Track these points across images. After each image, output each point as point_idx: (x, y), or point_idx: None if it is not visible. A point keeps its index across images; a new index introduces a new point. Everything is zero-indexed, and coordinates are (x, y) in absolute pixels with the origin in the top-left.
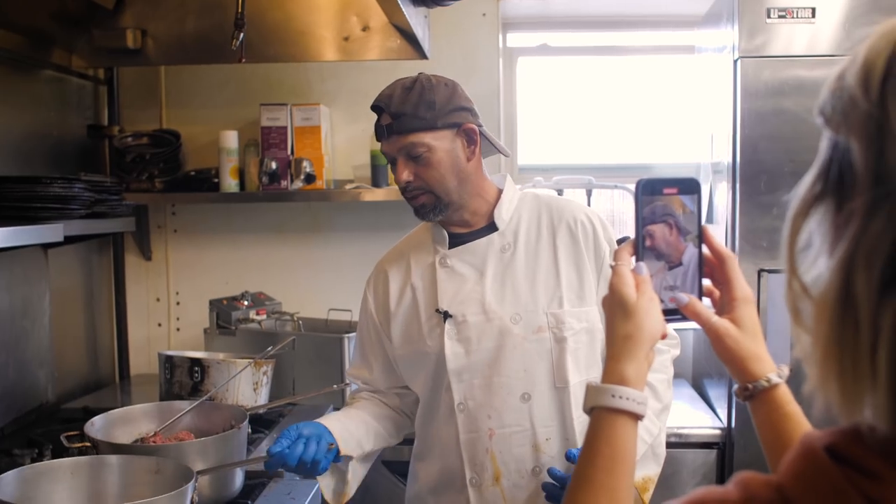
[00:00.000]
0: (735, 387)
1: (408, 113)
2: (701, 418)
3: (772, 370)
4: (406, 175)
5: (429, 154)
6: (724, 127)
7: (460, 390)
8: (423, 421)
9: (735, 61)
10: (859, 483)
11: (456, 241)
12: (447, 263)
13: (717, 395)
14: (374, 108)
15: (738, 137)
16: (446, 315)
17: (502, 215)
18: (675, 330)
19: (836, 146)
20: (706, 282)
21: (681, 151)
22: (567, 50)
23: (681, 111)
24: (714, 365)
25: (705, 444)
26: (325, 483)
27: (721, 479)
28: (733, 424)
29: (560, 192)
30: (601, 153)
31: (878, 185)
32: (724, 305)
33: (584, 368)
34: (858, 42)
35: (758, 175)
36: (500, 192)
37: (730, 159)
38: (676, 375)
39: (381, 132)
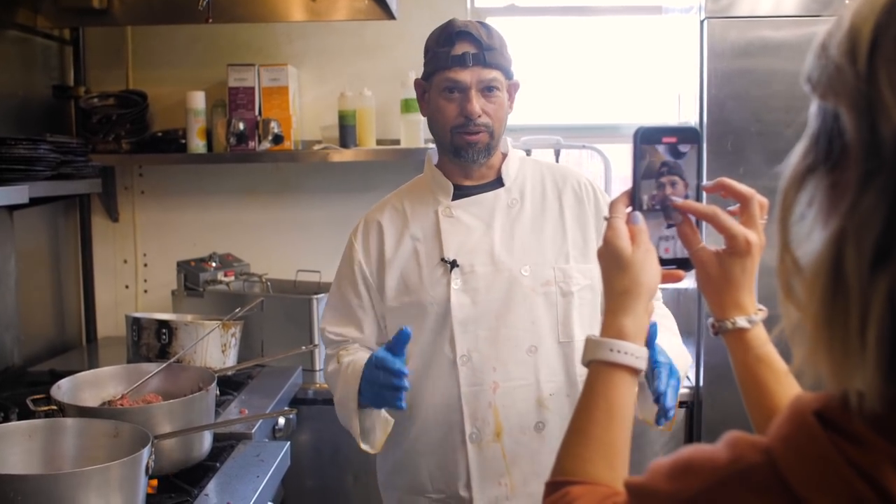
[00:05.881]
0: (709, 318)
1: (496, 48)
2: None
3: (744, 314)
4: (479, 107)
5: (500, 93)
6: (692, 87)
7: (465, 342)
8: (415, 377)
9: (702, 22)
10: (846, 449)
11: (460, 193)
12: (451, 214)
13: None
14: (458, 33)
15: (705, 98)
16: (453, 264)
17: (510, 172)
18: None
19: (825, 115)
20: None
21: (649, 111)
22: (535, 10)
23: (648, 71)
24: (683, 324)
25: None
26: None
27: (690, 438)
28: (702, 384)
29: (528, 152)
30: (569, 113)
31: (870, 157)
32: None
33: (587, 326)
34: (826, 4)
35: (724, 135)
36: (503, 153)
37: (697, 119)
38: None
39: (462, 59)
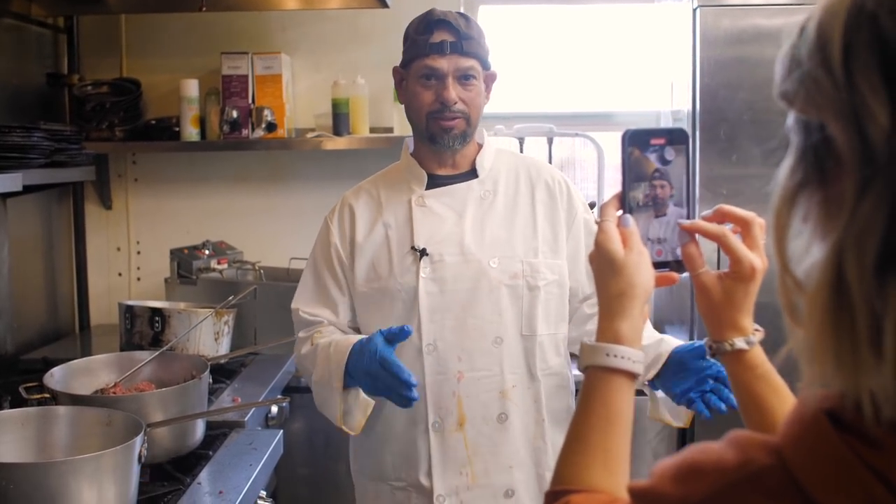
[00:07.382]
0: (706, 338)
1: (475, 38)
2: None
3: (742, 335)
4: (455, 95)
5: (476, 82)
6: (684, 75)
7: (431, 331)
8: None
9: (694, 10)
10: (861, 451)
11: (434, 183)
12: (424, 203)
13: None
14: (437, 21)
15: (698, 86)
16: (423, 253)
17: (484, 164)
18: None
19: (808, 128)
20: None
21: (641, 99)
22: None
23: (641, 59)
24: (675, 312)
25: None
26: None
27: (683, 429)
28: None
29: (521, 140)
30: (562, 101)
31: (864, 166)
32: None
33: (553, 322)
34: None
35: (717, 123)
36: (479, 143)
37: (690, 107)
38: None
39: (440, 47)
